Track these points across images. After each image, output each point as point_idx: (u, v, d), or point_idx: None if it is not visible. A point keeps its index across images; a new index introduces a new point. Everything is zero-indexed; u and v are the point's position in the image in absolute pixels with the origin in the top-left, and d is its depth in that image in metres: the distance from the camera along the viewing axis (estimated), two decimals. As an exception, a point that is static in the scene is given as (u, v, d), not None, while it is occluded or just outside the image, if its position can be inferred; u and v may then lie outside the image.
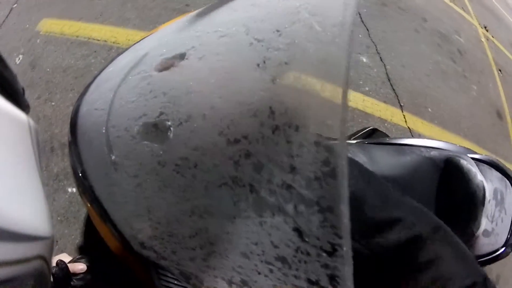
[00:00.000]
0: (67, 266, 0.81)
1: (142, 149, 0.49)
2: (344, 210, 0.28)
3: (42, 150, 1.80)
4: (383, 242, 0.56)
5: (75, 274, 0.84)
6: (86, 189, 0.71)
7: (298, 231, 0.35)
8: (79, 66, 2.11)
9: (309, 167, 0.32)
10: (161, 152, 0.46)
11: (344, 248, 0.30)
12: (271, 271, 0.38)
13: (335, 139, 0.29)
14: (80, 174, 0.72)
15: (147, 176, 0.49)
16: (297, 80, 0.35)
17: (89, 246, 1.64)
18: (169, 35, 0.63)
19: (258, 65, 0.38)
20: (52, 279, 0.76)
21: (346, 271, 0.30)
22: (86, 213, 1.69)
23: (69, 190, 1.75)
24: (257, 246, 0.39)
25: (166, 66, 0.50)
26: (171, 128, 0.45)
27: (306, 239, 0.34)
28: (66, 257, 0.89)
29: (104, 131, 0.60)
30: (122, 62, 0.73)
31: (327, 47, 0.33)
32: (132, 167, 0.52)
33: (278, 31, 0.39)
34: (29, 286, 0.37)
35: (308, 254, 0.34)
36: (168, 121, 0.45)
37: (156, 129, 0.47)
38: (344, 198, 0.28)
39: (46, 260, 0.43)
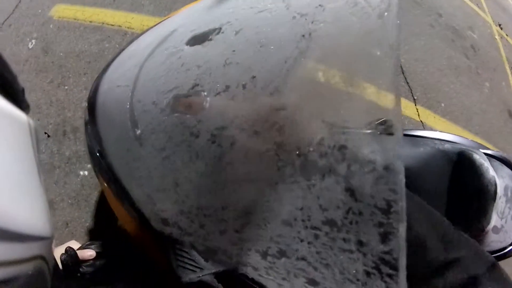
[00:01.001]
0: (76, 253, 0.81)
1: (173, 121, 0.49)
2: (400, 166, 0.28)
3: (55, 134, 1.81)
4: (442, 285, 0.56)
5: (84, 261, 0.84)
6: (103, 168, 0.71)
7: (350, 191, 0.34)
8: (93, 51, 2.10)
9: (363, 126, 0.31)
10: (195, 123, 0.46)
11: (400, 204, 0.30)
12: (316, 236, 0.38)
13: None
14: (98, 153, 0.72)
15: (177, 148, 0.49)
16: (343, 47, 0.35)
17: (100, 230, 1.65)
18: (198, 13, 0.63)
19: (303, 36, 0.38)
20: (61, 266, 0.77)
21: (400, 228, 0.30)
22: (97, 197, 1.70)
23: (81, 173, 1.76)
24: (302, 211, 0.38)
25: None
26: (207, 99, 0.44)
27: (360, 198, 0.33)
28: (75, 244, 0.89)
29: (128, 106, 0.60)
30: (146, 40, 0.73)
31: (375, 21, 0.32)
32: (160, 140, 0.51)
33: (321, 6, 0.38)
34: (29, 286, 0.37)
35: (360, 214, 0.34)
36: (204, 91, 0.45)
37: (189, 101, 0.47)
38: (400, 153, 0.28)
39: (46, 260, 0.43)
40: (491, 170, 0.88)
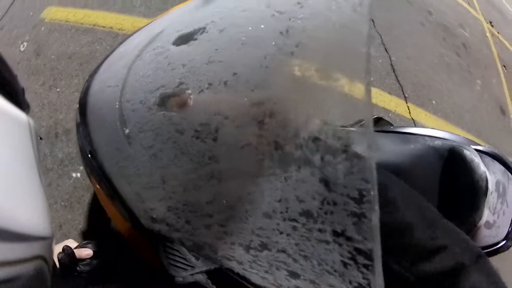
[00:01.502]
0: (73, 252, 0.81)
1: (159, 119, 0.50)
2: (370, 154, 0.29)
3: (47, 136, 1.81)
4: (428, 269, 0.58)
5: (81, 260, 0.84)
6: (94, 168, 0.72)
7: (325, 181, 0.35)
8: (84, 52, 2.11)
9: (336, 118, 0.32)
10: (179, 120, 0.47)
11: (371, 193, 0.31)
12: (294, 228, 0.39)
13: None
14: (89, 154, 0.73)
15: (164, 145, 0.50)
16: (319, 41, 0.36)
17: (93, 231, 1.65)
18: (185, 13, 0.64)
19: (281, 33, 0.39)
20: (58, 265, 0.77)
21: (373, 217, 0.31)
22: (90, 198, 1.70)
23: (74, 175, 1.76)
24: (280, 203, 0.39)
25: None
26: (191, 96, 0.45)
27: (333, 188, 0.34)
28: (72, 243, 0.89)
29: (117, 106, 0.60)
30: (135, 41, 0.74)
31: (348, 15, 0.33)
32: (147, 138, 0.52)
33: (299, 3, 0.40)
34: (29, 286, 0.37)
35: (334, 203, 0.35)
36: (188, 89, 0.46)
37: (174, 99, 0.48)
38: (370, 143, 0.29)
39: (46, 260, 0.44)
40: (482, 166, 0.89)
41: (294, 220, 0.39)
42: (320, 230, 0.37)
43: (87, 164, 0.76)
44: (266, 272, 0.45)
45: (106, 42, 2.16)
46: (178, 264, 0.66)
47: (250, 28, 0.43)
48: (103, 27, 2.22)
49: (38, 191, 0.45)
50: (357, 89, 0.30)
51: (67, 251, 0.79)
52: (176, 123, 0.47)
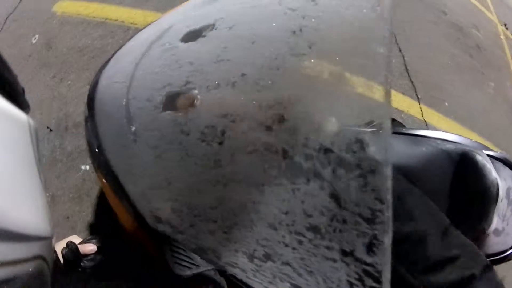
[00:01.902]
0: (77, 247, 0.81)
1: (165, 118, 0.48)
2: (387, 172, 0.27)
3: (57, 129, 1.82)
4: (440, 280, 0.58)
5: (85, 255, 0.84)
6: (101, 163, 0.71)
7: (335, 197, 0.33)
8: (96, 46, 2.11)
9: (350, 130, 0.30)
10: (185, 121, 0.46)
11: (386, 214, 0.29)
12: (300, 242, 0.37)
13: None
14: (96, 149, 0.72)
15: (169, 146, 0.48)
16: (334, 42, 0.34)
17: (100, 224, 1.66)
18: (193, 9, 0.62)
19: (294, 32, 0.37)
20: (62, 260, 0.77)
21: (386, 240, 0.29)
22: (98, 191, 1.71)
23: (82, 167, 1.77)
24: (287, 215, 0.37)
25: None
26: (198, 97, 0.44)
27: (344, 206, 0.32)
28: (76, 239, 0.89)
29: (124, 103, 0.59)
30: (143, 36, 0.73)
31: (366, 14, 0.31)
32: (153, 138, 0.51)
33: (313, 0, 0.38)
34: (29, 286, 0.37)
35: (344, 222, 0.33)
36: (195, 89, 0.44)
37: (181, 98, 0.47)
38: (388, 160, 0.27)
39: (46, 260, 0.43)
40: (493, 172, 0.87)
41: (301, 234, 0.37)
42: (327, 248, 0.35)
43: (95, 159, 0.76)
44: (270, 282, 0.43)
45: (117, 35, 2.16)
46: (183, 263, 0.65)
47: (260, 26, 0.41)
48: (115, 20, 2.22)
49: (38, 191, 0.44)
50: (374, 94, 0.28)
51: (71, 246, 0.79)
52: (182, 124, 0.46)
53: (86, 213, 1.69)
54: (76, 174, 1.76)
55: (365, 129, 0.29)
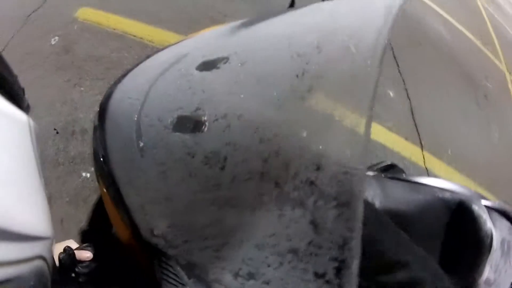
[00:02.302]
0: (74, 253, 0.83)
1: (174, 139, 0.52)
2: (359, 206, 0.30)
3: (63, 132, 1.85)
4: (389, 281, 0.59)
5: (81, 261, 0.86)
6: (104, 173, 0.74)
7: (314, 224, 0.37)
8: (113, 58, 2.16)
9: (332, 168, 0.34)
10: (192, 144, 0.49)
11: (354, 241, 0.32)
12: (281, 263, 0.40)
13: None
14: (102, 158, 0.75)
15: (174, 165, 0.52)
16: (331, 95, 0.38)
17: (93, 233, 1.66)
18: (211, 39, 0.67)
19: (297, 76, 0.41)
20: (58, 264, 0.79)
21: (354, 264, 0.32)
22: (95, 200, 1.72)
23: (83, 174, 1.78)
24: (271, 238, 0.41)
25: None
26: (206, 123, 0.48)
27: (321, 232, 0.36)
28: (73, 244, 0.90)
29: (135, 119, 0.63)
30: (161, 58, 0.77)
31: (359, 67, 0.36)
32: (159, 155, 0.55)
33: (318, 48, 0.42)
34: (29, 286, 0.37)
35: (319, 247, 0.36)
36: (204, 116, 0.48)
37: (190, 123, 0.50)
38: (360, 195, 0.30)
39: (46, 260, 0.44)
40: (488, 222, 0.88)
41: (282, 255, 0.40)
42: (303, 269, 0.38)
43: (98, 167, 0.79)
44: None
45: (134, 51, 2.22)
46: (170, 280, 0.67)
47: (269, 66, 0.45)
48: (134, 36, 2.29)
49: (38, 191, 0.45)
50: (355, 140, 0.32)
51: (68, 251, 0.81)
52: (189, 146, 0.49)
53: (81, 219, 1.70)
54: (76, 180, 1.77)
55: (344, 168, 0.33)
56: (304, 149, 0.37)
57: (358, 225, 0.32)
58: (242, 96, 0.45)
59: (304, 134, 0.38)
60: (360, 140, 0.31)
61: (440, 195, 0.98)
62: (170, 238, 0.56)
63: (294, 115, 0.40)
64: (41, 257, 0.41)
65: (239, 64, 0.49)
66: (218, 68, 0.52)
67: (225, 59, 0.52)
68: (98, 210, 1.69)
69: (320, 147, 0.36)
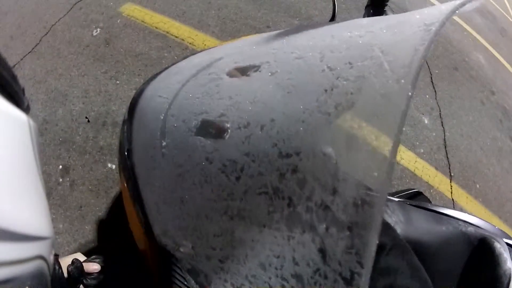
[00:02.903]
0: (82, 265, 0.85)
1: (195, 142, 0.51)
2: (373, 240, 0.29)
3: (95, 121, 1.90)
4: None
5: (89, 274, 0.88)
6: (127, 167, 0.75)
7: (323, 252, 0.35)
8: (152, 56, 2.21)
9: (350, 192, 0.32)
10: (212, 150, 0.49)
11: (363, 278, 0.30)
12: (283, 287, 0.39)
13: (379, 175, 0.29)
14: (126, 152, 0.76)
15: (192, 168, 0.51)
16: (358, 113, 0.37)
17: (109, 225, 1.68)
18: (246, 46, 0.67)
19: (325, 90, 0.40)
20: (66, 276, 0.81)
21: None
22: (117, 193, 1.75)
23: (109, 165, 1.82)
24: (278, 259, 0.39)
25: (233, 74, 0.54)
26: (229, 130, 0.47)
27: (329, 262, 0.34)
28: (81, 256, 0.93)
29: (162, 117, 0.63)
30: (195, 60, 0.77)
31: (391, 86, 0.34)
32: (179, 156, 0.54)
33: (350, 63, 0.40)
34: (29, 286, 0.37)
35: (325, 277, 0.34)
36: (228, 123, 0.47)
37: (213, 128, 0.50)
38: (376, 229, 0.28)
39: (46, 260, 0.43)
40: (508, 262, 0.85)
41: (285, 279, 0.39)
42: None
43: (121, 161, 0.80)
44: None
45: (174, 51, 2.26)
46: (177, 282, 0.66)
47: (299, 78, 0.44)
48: (176, 37, 2.33)
49: (39, 191, 0.45)
50: (380, 166, 0.30)
51: (77, 264, 0.83)
52: (208, 151, 0.49)
53: (99, 208, 1.73)
54: (101, 170, 1.81)
55: (363, 196, 0.31)
56: (323, 169, 0.36)
57: (370, 260, 0.30)
58: (267, 106, 0.44)
59: (325, 153, 0.36)
60: (383, 167, 0.29)
61: (463, 229, 0.96)
62: (179, 241, 0.55)
63: (317, 132, 0.38)
64: (41, 257, 0.41)
65: (269, 74, 0.48)
66: (248, 75, 0.52)
67: (256, 67, 0.51)
68: (117, 204, 1.72)
69: (341, 169, 0.34)
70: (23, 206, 0.39)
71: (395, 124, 0.29)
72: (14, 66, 2.04)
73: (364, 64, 0.38)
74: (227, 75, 0.55)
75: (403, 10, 3.63)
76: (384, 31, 0.41)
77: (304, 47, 0.48)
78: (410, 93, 0.31)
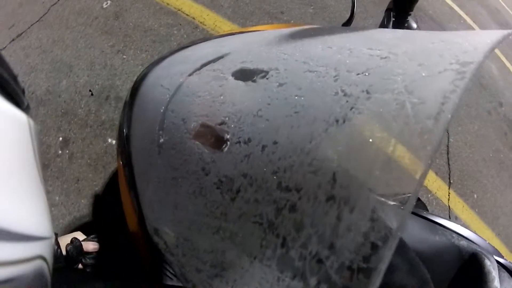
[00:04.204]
0: (81, 244, 0.85)
1: (192, 146, 0.49)
2: None
3: (98, 95, 1.88)
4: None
5: (88, 253, 0.88)
6: (124, 151, 0.73)
7: None
8: (161, 32, 2.17)
9: (347, 254, 0.29)
10: (209, 160, 0.46)
11: None
12: None
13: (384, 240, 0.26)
14: (125, 137, 0.74)
15: (187, 175, 0.49)
16: (370, 155, 0.32)
17: (105, 202, 1.69)
18: (255, 44, 0.63)
19: (337, 121, 0.36)
20: (65, 255, 0.80)
21: None
22: (115, 169, 1.74)
23: (109, 140, 1.81)
24: None
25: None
26: (228, 142, 0.44)
27: None
28: (80, 235, 0.94)
29: (162, 110, 0.60)
30: (201, 51, 0.74)
31: (411, 138, 0.30)
32: (176, 158, 0.52)
33: (368, 92, 0.36)
34: (29, 286, 0.37)
35: None
36: (228, 133, 0.44)
37: (212, 136, 0.47)
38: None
39: (46, 260, 0.44)
40: (496, 281, 0.85)
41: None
42: None
43: (120, 144, 0.78)
44: None
45: (184, 30, 2.22)
46: (169, 275, 0.66)
47: (308, 96, 0.40)
48: (187, 15, 2.29)
49: (38, 191, 0.45)
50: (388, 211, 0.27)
51: (76, 243, 0.84)
52: (205, 161, 0.46)
53: (97, 182, 1.73)
54: (101, 144, 1.81)
55: (360, 263, 0.28)
56: (323, 217, 0.32)
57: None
58: (271, 124, 0.40)
59: (327, 197, 0.33)
60: (386, 234, 0.26)
61: (456, 242, 0.96)
62: (170, 245, 0.53)
63: (322, 171, 0.34)
64: (41, 257, 0.41)
65: (277, 84, 0.44)
66: (254, 81, 0.48)
67: (263, 73, 0.48)
68: (114, 181, 1.71)
69: (343, 223, 0.31)
70: (23, 206, 0.39)
71: (410, 189, 0.26)
72: (21, 34, 2.01)
73: (384, 98, 0.34)
74: (232, 76, 0.52)
75: (427, 16, 3.56)
76: (410, 59, 0.36)
77: (318, 58, 0.44)
78: (432, 153, 0.27)
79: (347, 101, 0.36)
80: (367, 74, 0.37)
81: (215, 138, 0.46)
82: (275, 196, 0.36)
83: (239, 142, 0.42)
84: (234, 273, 0.40)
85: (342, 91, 0.37)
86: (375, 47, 0.42)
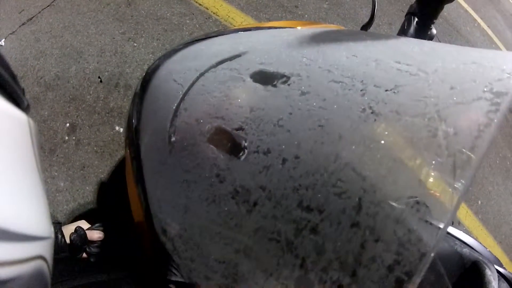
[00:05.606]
0: (85, 233, 0.85)
1: (206, 150, 0.47)
2: None
3: (107, 82, 1.86)
4: None
5: (92, 242, 0.88)
6: (133, 144, 0.72)
7: None
8: (173, 21, 2.15)
9: (370, 285, 0.28)
10: (224, 167, 0.44)
11: None
12: None
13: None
14: (134, 130, 0.72)
15: (200, 180, 0.47)
16: (399, 183, 0.30)
17: (110, 190, 1.68)
18: (276, 45, 0.60)
19: (364, 142, 0.33)
20: (69, 243, 0.80)
21: None
22: (121, 157, 1.73)
23: (116, 128, 1.80)
24: None
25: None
26: (245, 150, 0.42)
27: None
28: (84, 224, 0.93)
29: (174, 107, 0.59)
30: (217, 47, 0.72)
31: (444, 171, 0.28)
32: (187, 160, 0.50)
33: (397, 113, 0.34)
34: (29, 286, 0.36)
35: None
36: (245, 141, 0.43)
37: (228, 141, 0.45)
38: None
39: (46, 260, 0.43)
40: None
41: None
42: None
43: (128, 136, 0.76)
44: None
45: (197, 19, 2.19)
46: (174, 271, 0.65)
47: (334, 110, 0.38)
48: (200, 4, 2.26)
49: (38, 191, 0.44)
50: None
51: (80, 232, 0.83)
52: (220, 167, 0.44)
53: (102, 169, 1.73)
54: (108, 131, 1.80)
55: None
56: (346, 243, 0.30)
57: None
58: (293, 137, 0.38)
59: (351, 223, 0.31)
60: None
61: (459, 249, 0.95)
62: (178, 248, 0.52)
63: (346, 193, 0.32)
64: (41, 257, 0.40)
65: (299, 92, 0.42)
66: (274, 86, 0.46)
67: (285, 78, 0.45)
68: (120, 169, 1.71)
69: (367, 251, 0.29)
70: (23, 206, 0.38)
71: (431, 239, 0.24)
72: (32, 18, 1.99)
73: (415, 122, 0.31)
74: (250, 77, 0.50)
75: (442, 17, 3.50)
76: (441, 80, 0.34)
77: (343, 68, 0.42)
78: (463, 193, 0.25)
79: (375, 120, 0.34)
80: (396, 92, 0.35)
81: (231, 144, 0.44)
82: (295, 215, 0.34)
83: (258, 151, 0.40)
84: (247, 287, 0.39)
85: (370, 108, 0.35)
86: (403, 61, 0.39)
